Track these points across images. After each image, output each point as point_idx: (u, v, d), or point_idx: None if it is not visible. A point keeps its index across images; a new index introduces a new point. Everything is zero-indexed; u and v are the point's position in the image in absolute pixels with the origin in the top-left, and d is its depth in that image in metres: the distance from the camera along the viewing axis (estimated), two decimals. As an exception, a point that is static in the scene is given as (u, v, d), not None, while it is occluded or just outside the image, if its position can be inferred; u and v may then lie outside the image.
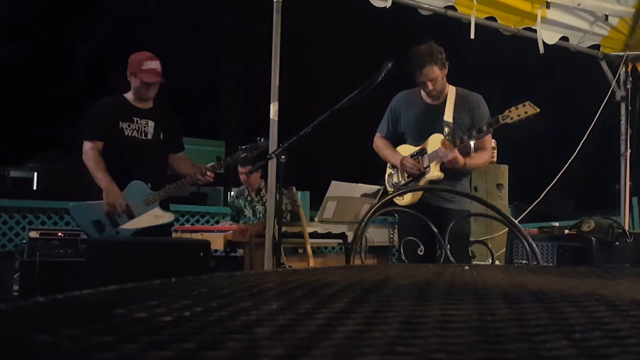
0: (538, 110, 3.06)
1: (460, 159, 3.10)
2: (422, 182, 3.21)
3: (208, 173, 3.37)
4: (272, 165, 3.24)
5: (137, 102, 3.34)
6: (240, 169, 5.21)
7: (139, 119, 3.31)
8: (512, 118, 3.05)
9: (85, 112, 3.33)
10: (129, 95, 3.36)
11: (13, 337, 0.35)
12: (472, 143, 3.33)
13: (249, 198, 5.30)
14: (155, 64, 3.31)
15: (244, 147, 3.49)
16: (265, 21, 3.73)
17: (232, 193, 5.41)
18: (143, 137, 3.32)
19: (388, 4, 3.99)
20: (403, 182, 3.31)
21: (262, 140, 3.43)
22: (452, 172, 3.18)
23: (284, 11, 3.49)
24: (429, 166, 3.18)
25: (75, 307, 0.47)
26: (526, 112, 3.05)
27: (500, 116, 3.09)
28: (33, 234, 4.11)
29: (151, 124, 3.34)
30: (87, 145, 3.20)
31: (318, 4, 8.17)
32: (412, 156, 3.26)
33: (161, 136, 3.37)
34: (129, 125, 3.28)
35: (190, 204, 9.78)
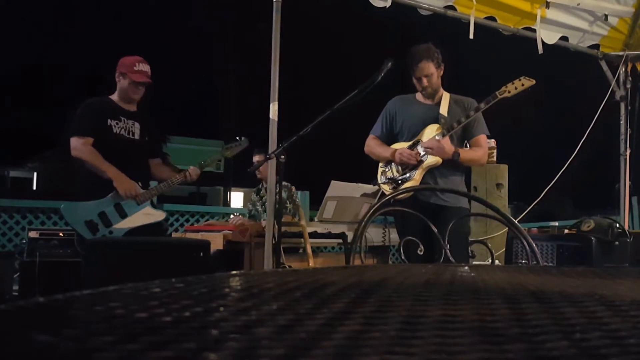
0: (534, 82, 3.11)
1: (448, 146, 3.13)
2: (420, 170, 3.23)
3: (191, 176, 3.46)
4: (272, 165, 3.25)
5: (122, 103, 3.38)
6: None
7: (125, 119, 3.35)
8: (509, 92, 3.11)
9: (72, 111, 3.34)
10: (114, 97, 3.40)
11: (13, 337, 0.35)
12: (467, 142, 3.36)
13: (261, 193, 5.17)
14: (147, 68, 3.38)
15: (225, 146, 3.63)
16: (265, 21, 3.73)
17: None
18: (131, 136, 3.36)
19: (388, 4, 4.00)
20: (398, 175, 3.31)
21: (242, 139, 3.64)
22: (448, 164, 3.19)
23: (283, 11, 3.49)
24: (425, 154, 3.20)
25: (75, 307, 0.47)
26: (523, 85, 3.11)
27: (497, 92, 3.13)
28: (33, 234, 4.12)
29: (137, 125, 3.39)
30: (77, 141, 3.21)
31: (318, 4, 8.17)
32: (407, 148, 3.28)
33: (146, 138, 3.43)
34: (117, 123, 3.31)
35: (190, 203, 9.78)
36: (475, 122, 3.27)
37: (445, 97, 3.31)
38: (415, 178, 3.22)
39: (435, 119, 3.25)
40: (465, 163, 3.31)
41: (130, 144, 3.33)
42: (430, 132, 3.23)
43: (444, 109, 3.26)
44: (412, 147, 3.27)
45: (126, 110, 3.37)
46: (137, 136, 3.37)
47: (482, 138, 3.34)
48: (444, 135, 3.16)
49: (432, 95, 3.31)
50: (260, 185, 5.07)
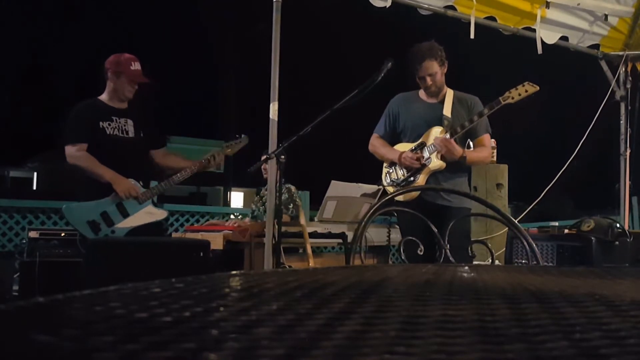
0: (537, 88, 3.08)
1: (457, 148, 3.12)
2: (424, 173, 3.22)
3: (215, 161, 3.43)
4: (272, 165, 3.25)
5: (112, 103, 3.34)
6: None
7: (117, 118, 3.32)
8: (513, 98, 3.08)
9: (65, 118, 3.32)
10: (103, 97, 3.36)
11: (13, 337, 0.35)
12: (470, 142, 3.36)
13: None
14: (139, 66, 3.35)
15: (225, 144, 3.59)
16: (265, 21, 3.73)
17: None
18: (125, 135, 3.32)
19: (388, 4, 4.00)
20: (403, 177, 3.30)
21: (242, 136, 3.58)
22: (452, 166, 3.19)
23: (283, 11, 3.49)
24: (429, 157, 3.19)
25: (75, 307, 0.47)
26: (526, 91, 3.08)
27: (500, 98, 3.10)
28: (33, 234, 4.11)
29: (130, 122, 3.35)
30: (71, 149, 3.20)
31: (318, 4, 8.17)
32: (411, 150, 3.27)
33: (142, 134, 3.39)
34: (109, 124, 3.28)
35: (189, 203, 9.79)
36: (479, 122, 3.25)
37: (449, 95, 3.26)
38: (419, 181, 3.21)
39: (439, 119, 3.22)
40: (471, 164, 3.31)
41: (125, 144, 3.29)
42: (434, 134, 3.20)
43: (447, 109, 3.22)
44: (416, 149, 3.25)
45: (117, 109, 3.34)
46: (131, 134, 3.33)
47: (487, 137, 3.33)
48: (455, 134, 3.15)
49: (436, 93, 3.27)
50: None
